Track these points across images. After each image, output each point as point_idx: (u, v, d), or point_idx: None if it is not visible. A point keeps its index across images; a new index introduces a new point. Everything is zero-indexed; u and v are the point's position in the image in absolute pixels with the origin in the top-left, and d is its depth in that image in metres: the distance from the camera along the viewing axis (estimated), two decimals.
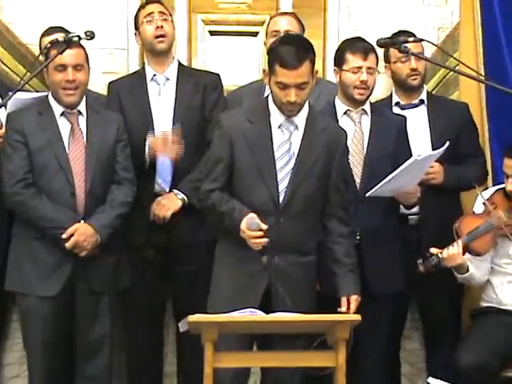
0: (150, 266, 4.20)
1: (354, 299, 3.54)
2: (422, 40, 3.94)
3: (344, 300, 3.53)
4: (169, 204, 4.13)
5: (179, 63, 4.36)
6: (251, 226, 3.41)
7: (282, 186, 3.51)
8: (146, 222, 4.13)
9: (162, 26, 4.21)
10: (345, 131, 3.71)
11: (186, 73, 4.32)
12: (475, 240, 3.95)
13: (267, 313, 3.36)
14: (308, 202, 3.53)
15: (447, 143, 3.88)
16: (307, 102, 3.58)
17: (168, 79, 4.29)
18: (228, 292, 3.54)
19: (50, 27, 4.39)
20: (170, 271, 4.24)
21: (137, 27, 4.31)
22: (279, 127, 3.55)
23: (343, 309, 3.51)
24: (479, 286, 4.10)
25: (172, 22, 4.31)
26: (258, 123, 3.54)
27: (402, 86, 4.35)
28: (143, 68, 4.34)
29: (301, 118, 3.55)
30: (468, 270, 3.95)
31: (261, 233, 3.41)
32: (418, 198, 3.94)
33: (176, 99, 4.23)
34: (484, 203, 4.03)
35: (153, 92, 4.26)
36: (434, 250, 3.89)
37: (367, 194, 3.78)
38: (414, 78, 4.29)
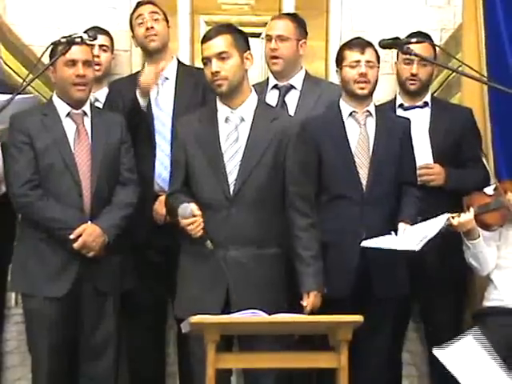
0: (151, 266, 4.22)
1: (313, 295, 3.56)
2: (423, 41, 3.94)
3: (305, 296, 3.56)
4: None
5: (179, 62, 4.38)
6: (184, 214, 3.47)
7: (232, 177, 3.55)
8: (146, 222, 4.14)
9: (152, 27, 4.27)
10: (335, 127, 3.83)
11: (185, 72, 4.35)
12: (485, 213, 3.99)
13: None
14: (261, 192, 3.56)
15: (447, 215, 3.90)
16: (254, 94, 3.65)
17: (167, 79, 4.31)
18: (192, 293, 3.58)
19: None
20: (170, 271, 4.23)
21: (132, 30, 4.37)
22: (226, 121, 3.60)
23: (304, 303, 3.55)
24: (484, 275, 4.10)
25: (165, 20, 4.35)
26: (206, 121, 3.63)
27: (402, 88, 4.37)
28: (143, 68, 4.35)
29: (247, 110, 3.61)
30: (479, 236, 3.97)
31: (194, 219, 3.46)
32: None
33: (175, 99, 4.25)
34: (496, 186, 4.06)
35: (152, 92, 4.27)
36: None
37: (361, 244, 3.78)
38: (412, 82, 4.32)
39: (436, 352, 3.61)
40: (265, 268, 3.57)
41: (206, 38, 3.59)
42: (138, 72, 4.43)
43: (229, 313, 3.39)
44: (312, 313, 3.53)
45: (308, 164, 3.76)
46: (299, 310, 3.52)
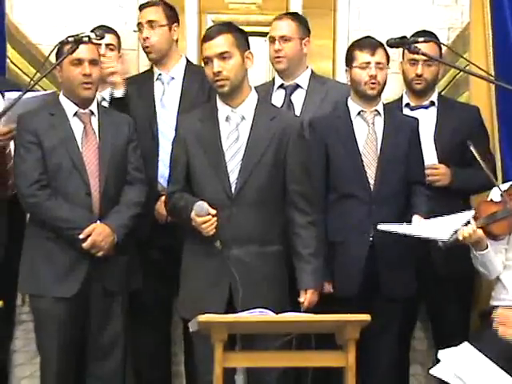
0: (154, 265, 4.21)
1: (310, 292, 3.58)
2: (431, 41, 3.94)
3: (302, 293, 3.58)
4: None
5: (187, 61, 4.38)
6: (200, 212, 3.48)
7: (233, 176, 3.56)
8: (149, 221, 4.13)
9: (147, 38, 4.27)
10: (336, 127, 3.87)
11: (193, 71, 4.34)
12: (492, 223, 3.96)
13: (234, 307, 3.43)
14: (262, 190, 3.57)
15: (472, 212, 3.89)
16: (254, 92, 3.65)
17: (173, 78, 4.31)
18: (195, 292, 3.60)
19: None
20: (174, 270, 4.22)
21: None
22: (226, 120, 3.61)
23: (301, 299, 3.57)
24: (493, 279, 4.08)
25: (167, 25, 4.30)
26: (207, 120, 3.63)
27: (409, 87, 4.37)
28: (152, 67, 4.38)
29: (247, 109, 3.62)
30: (487, 247, 3.94)
31: (209, 217, 3.47)
32: None
33: (181, 98, 4.25)
34: (501, 194, 4.04)
35: (158, 92, 4.29)
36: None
37: (378, 227, 3.78)
38: (417, 82, 4.31)
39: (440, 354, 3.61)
40: (268, 266, 3.59)
41: (206, 38, 3.58)
42: (147, 71, 4.44)
43: (233, 312, 3.39)
44: (308, 310, 3.54)
45: (310, 162, 3.76)
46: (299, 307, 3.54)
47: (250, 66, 3.63)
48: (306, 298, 3.58)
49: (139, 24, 4.32)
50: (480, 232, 3.89)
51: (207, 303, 3.49)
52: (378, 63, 3.90)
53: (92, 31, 3.72)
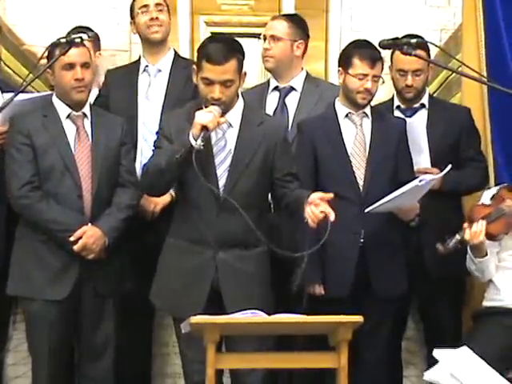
0: (137, 264, 4.13)
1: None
2: (424, 42, 3.94)
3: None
4: (157, 199, 4.09)
5: (175, 54, 4.37)
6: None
7: (222, 182, 3.56)
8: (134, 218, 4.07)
9: (157, 18, 4.26)
10: (331, 128, 3.87)
11: (180, 64, 4.32)
12: (489, 224, 3.97)
13: (220, 308, 3.46)
14: (249, 196, 3.58)
15: (449, 166, 3.87)
16: (241, 98, 3.63)
17: (160, 71, 4.31)
18: (174, 285, 3.62)
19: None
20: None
21: (132, 16, 4.35)
22: None
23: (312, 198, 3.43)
24: (485, 281, 4.10)
25: (168, 12, 4.34)
26: None
27: (399, 95, 4.36)
28: (139, 59, 4.36)
29: (234, 116, 3.60)
30: (487, 254, 3.96)
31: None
32: (417, 214, 3.91)
33: (166, 92, 4.25)
34: (493, 195, 4.06)
35: (143, 84, 4.28)
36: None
37: (366, 210, 3.78)
38: (408, 91, 4.29)
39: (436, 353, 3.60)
40: (252, 267, 3.61)
41: (213, 60, 3.47)
42: (132, 63, 4.43)
43: (221, 313, 3.37)
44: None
45: (298, 165, 3.75)
46: (289, 309, 3.51)
47: (242, 85, 3.62)
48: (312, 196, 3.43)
49: (145, 6, 4.28)
50: (483, 235, 3.89)
51: (185, 300, 3.53)
52: (374, 76, 3.87)
53: (83, 32, 3.72)
